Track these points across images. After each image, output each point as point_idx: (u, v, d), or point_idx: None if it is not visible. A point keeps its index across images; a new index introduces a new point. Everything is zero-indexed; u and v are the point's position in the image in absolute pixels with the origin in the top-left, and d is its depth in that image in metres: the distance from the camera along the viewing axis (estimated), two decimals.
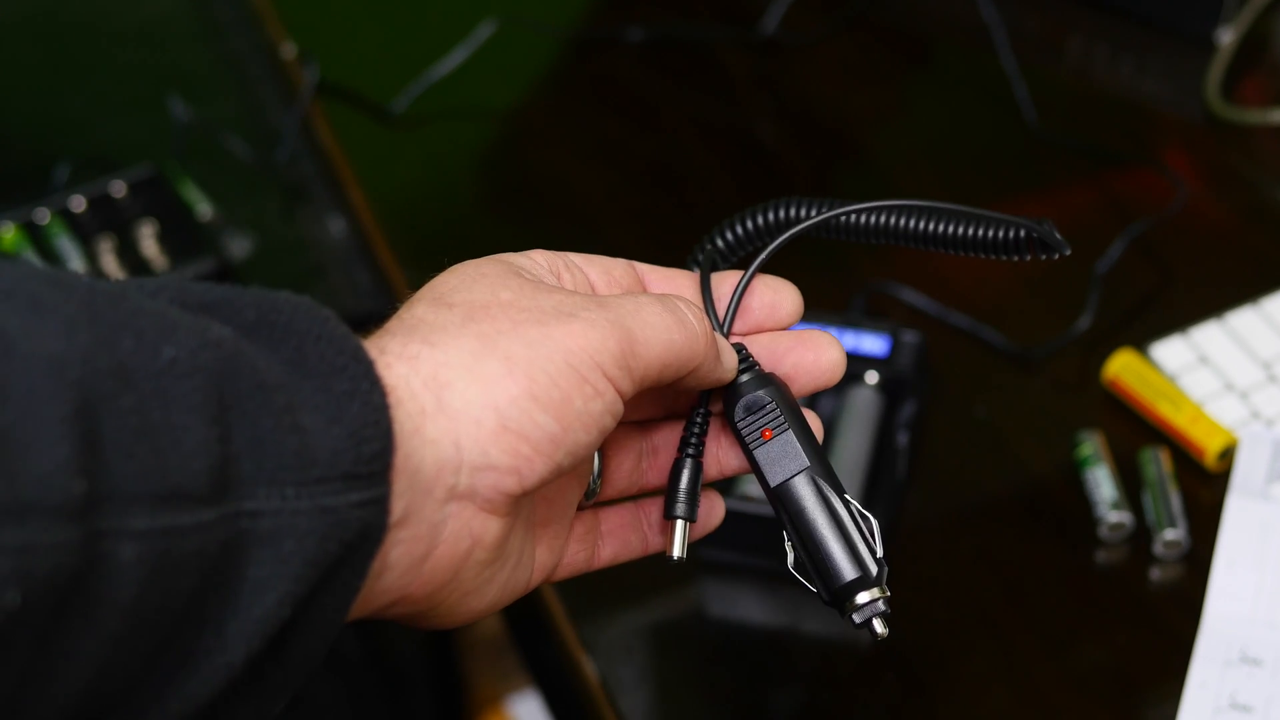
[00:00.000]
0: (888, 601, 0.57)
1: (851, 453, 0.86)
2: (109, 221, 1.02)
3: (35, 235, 1.01)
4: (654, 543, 0.60)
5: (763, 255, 0.60)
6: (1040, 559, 0.85)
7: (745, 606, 0.85)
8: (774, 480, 0.58)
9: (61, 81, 1.19)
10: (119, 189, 1.03)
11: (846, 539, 0.57)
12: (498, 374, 0.51)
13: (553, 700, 1.01)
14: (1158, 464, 0.86)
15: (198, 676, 0.46)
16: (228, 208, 1.07)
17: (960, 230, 0.61)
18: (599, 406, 0.52)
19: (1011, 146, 1.09)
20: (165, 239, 1.02)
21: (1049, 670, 0.80)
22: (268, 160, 1.11)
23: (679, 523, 0.58)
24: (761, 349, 0.59)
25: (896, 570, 0.84)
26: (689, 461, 0.59)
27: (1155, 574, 0.84)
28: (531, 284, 0.55)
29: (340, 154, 1.10)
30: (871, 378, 0.88)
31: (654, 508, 0.60)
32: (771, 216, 0.62)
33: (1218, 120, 1.07)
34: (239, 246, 1.05)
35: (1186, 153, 1.08)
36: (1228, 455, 0.87)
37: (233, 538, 0.46)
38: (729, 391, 0.59)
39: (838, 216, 0.61)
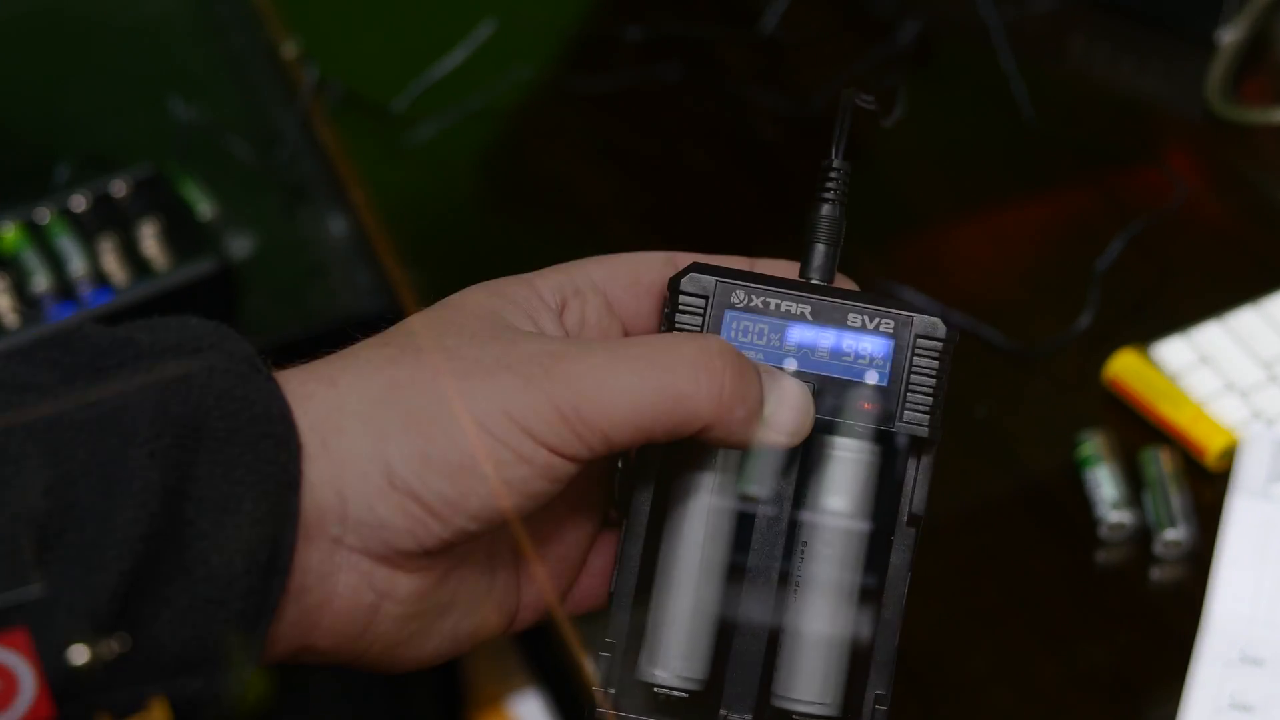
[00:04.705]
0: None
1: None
2: (110, 221, 1.02)
3: (36, 235, 1.01)
4: None
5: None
6: (1041, 559, 0.85)
7: None
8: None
9: (61, 81, 1.19)
10: (120, 188, 1.03)
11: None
12: (393, 428, 0.48)
13: (553, 700, 1.01)
14: (1159, 464, 0.86)
15: None
16: (229, 207, 1.07)
17: None
18: (523, 472, 0.48)
19: (1011, 145, 1.09)
20: (167, 238, 1.01)
21: (1050, 670, 0.80)
22: (268, 160, 1.11)
23: None
24: None
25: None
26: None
27: (1156, 574, 0.84)
28: (500, 329, 0.51)
29: (341, 153, 1.10)
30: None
31: None
32: None
33: (1218, 120, 1.07)
34: (240, 246, 1.05)
35: (1187, 152, 1.08)
36: (1229, 455, 0.87)
37: None
38: None
39: None
